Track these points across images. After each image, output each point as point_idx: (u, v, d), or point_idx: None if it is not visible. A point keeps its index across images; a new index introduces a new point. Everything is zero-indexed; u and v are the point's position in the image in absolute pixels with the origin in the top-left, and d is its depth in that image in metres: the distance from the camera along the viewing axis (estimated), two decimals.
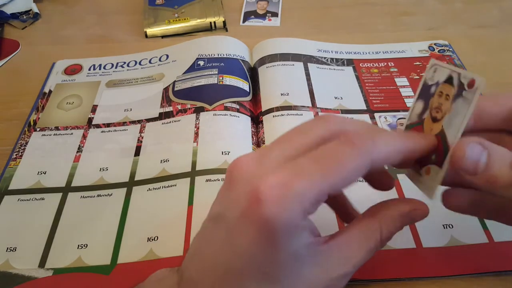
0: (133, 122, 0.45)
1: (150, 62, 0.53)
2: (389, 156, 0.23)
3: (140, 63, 0.53)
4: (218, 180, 0.37)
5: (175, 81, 0.49)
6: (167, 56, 0.53)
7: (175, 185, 0.38)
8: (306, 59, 0.51)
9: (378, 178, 0.28)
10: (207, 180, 0.37)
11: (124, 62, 0.53)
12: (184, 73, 0.49)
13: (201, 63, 0.50)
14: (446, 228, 0.34)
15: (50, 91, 0.49)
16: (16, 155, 0.42)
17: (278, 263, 0.21)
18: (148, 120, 0.45)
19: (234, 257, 0.22)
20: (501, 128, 0.26)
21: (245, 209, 0.21)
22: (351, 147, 0.21)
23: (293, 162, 0.21)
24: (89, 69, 0.52)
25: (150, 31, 0.58)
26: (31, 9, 0.63)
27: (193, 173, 0.38)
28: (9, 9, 0.63)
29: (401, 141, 0.23)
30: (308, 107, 0.44)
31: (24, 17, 0.62)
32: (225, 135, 0.41)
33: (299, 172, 0.21)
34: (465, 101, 0.23)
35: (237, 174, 0.22)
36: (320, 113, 0.44)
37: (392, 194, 0.36)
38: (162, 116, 0.45)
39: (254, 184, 0.20)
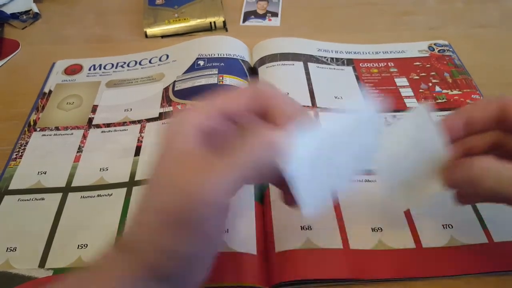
0: (133, 122, 0.45)
1: (150, 62, 0.53)
2: None
3: (140, 63, 0.53)
4: None
5: (175, 81, 0.49)
6: (167, 56, 0.53)
7: None
8: (306, 59, 0.51)
9: None
10: None
11: (124, 62, 0.53)
12: (184, 73, 0.49)
13: (201, 63, 0.50)
14: (446, 228, 0.34)
15: (50, 91, 0.49)
16: (16, 155, 0.42)
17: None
18: (148, 120, 0.45)
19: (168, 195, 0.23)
20: (495, 128, 0.29)
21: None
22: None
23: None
24: (89, 69, 0.52)
25: (150, 31, 0.58)
26: (31, 9, 0.63)
27: None
28: (9, 9, 0.63)
29: None
30: (308, 106, 0.44)
31: (24, 17, 0.62)
32: None
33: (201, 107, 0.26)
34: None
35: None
36: (320, 113, 0.44)
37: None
38: (162, 116, 0.45)
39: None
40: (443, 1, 0.63)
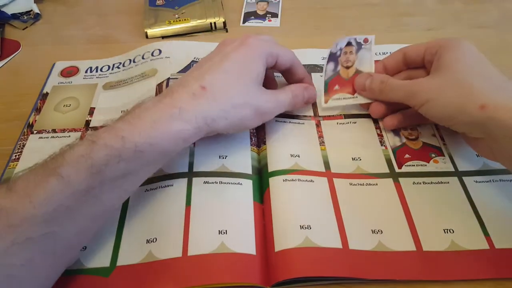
0: None
1: (143, 58, 0.52)
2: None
3: (134, 61, 0.52)
4: (216, 183, 0.37)
5: (169, 78, 0.48)
6: (160, 51, 0.52)
7: (172, 185, 0.37)
8: (310, 69, 0.50)
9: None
10: (204, 182, 0.37)
11: (120, 63, 0.53)
12: (179, 72, 0.49)
13: None
14: (447, 232, 0.34)
15: (47, 93, 0.49)
16: (16, 156, 0.42)
17: (255, 71, 0.37)
18: None
19: (228, 64, 0.36)
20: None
21: (238, 41, 0.38)
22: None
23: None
24: (86, 72, 0.52)
25: (150, 31, 0.58)
26: (31, 10, 0.63)
27: (190, 174, 0.38)
28: (10, 10, 0.63)
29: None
30: (309, 116, 0.44)
31: (25, 18, 0.62)
32: (224, 137, 0.41)
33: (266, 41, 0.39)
34: (367, 50, 0.42)
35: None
36: (322, 121, 0.44)
37: (394, 196, 0.37)
38: None
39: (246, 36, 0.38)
40: (442, 2, 0.62)
